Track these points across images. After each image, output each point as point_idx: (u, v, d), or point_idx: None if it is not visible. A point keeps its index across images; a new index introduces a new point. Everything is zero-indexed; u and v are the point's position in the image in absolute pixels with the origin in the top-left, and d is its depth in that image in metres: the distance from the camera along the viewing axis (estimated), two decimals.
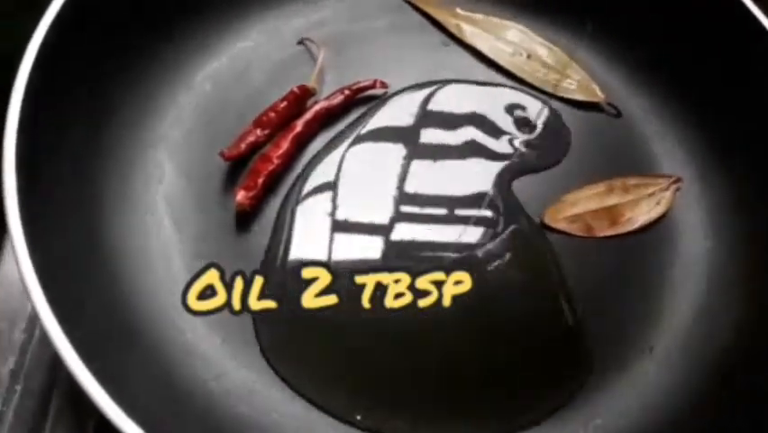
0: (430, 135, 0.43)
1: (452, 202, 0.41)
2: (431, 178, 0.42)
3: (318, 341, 0.37)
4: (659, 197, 0.43)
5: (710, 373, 0.38)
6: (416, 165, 0.42)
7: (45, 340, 0.31)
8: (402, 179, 0.42)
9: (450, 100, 0.45)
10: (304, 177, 0.41)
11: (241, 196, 0.39)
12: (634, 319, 0.40)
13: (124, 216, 0.38)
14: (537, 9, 0.48)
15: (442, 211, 0.41)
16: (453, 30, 0.48)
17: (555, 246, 0.41)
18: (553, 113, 0.46)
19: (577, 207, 0.42)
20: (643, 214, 0.42)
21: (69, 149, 0.37)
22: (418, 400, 0.36)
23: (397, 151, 0.43)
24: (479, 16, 0.48)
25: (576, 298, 0.39)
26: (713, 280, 0.41)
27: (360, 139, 0.43)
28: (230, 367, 0.35)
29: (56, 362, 0.38)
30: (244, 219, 0.39)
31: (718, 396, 0.37)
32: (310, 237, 0.39)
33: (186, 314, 0.36)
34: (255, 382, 0.35)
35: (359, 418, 0.35)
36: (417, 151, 0.43)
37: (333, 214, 0.40)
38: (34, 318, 0.39)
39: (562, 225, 0.42)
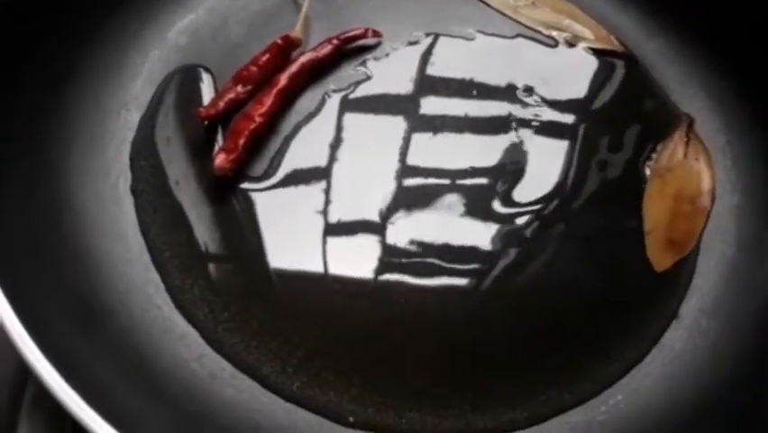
0: (431, 105, 0.40)
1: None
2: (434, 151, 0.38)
3: (311, 323, 0.34)
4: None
5: (743, 337, 0.34)
6: (418, 138, 0.38)
7: None
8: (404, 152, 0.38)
9: (450, 57, 0.41)
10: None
11: (220, 159, 0.35)
12: (656, 285, 0.36)
13: (95, 184, 0.35)
14: None
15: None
16: None
17: None
18: (565, 64, 0.42)
19: None
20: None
21: (25, 113, 0.33)
22: (425, 383, 0.33)
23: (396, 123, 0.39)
24: None
25: (594, 264, 0.36)
26: (742, 238, 0.38)
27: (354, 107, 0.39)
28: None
29: None
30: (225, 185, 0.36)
31: (752, 363, 0.34)
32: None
33: (162, 288, 0.33)
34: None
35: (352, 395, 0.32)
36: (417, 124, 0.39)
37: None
38: None
39: None
